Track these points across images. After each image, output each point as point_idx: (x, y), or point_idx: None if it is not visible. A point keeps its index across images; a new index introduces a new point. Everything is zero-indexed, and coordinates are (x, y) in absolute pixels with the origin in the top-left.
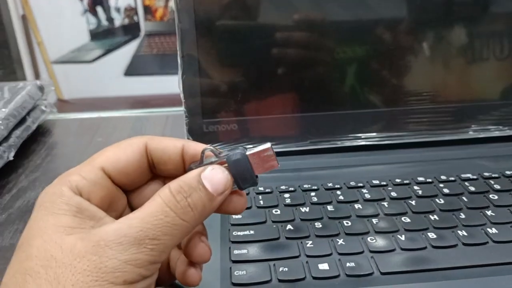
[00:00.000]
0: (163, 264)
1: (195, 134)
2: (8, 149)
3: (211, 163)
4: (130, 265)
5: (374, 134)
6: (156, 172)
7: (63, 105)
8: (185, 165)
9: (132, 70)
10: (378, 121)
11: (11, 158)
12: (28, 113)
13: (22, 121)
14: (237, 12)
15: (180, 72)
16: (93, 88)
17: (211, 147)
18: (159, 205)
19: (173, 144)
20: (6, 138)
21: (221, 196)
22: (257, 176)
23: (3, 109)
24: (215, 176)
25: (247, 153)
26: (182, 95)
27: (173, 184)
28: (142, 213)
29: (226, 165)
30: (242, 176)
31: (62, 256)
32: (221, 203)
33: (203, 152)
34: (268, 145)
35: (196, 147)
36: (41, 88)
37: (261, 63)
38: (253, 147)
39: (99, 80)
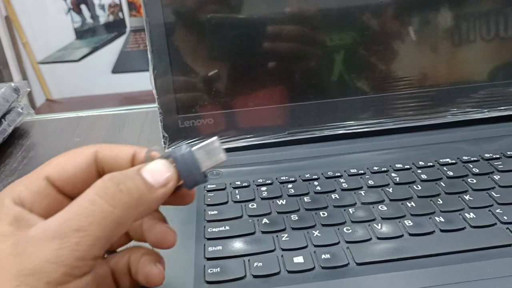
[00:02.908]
0: (121, 266)
1: (170, 130)
2: None
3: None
4: (52, 263)
5: (352, 122)
6: None
7: (52, 105)
8: None
9: (120, 67)
10: (357, 108)
11: None
12: (3, 116)
13: None
14: (206, 3)
15: (151, 68)
16: (82, 87)
17: (156, 147)
18: (86, 194)
19: (124, 151)
20: None
21: (164, 189)
22: (205, 174)
23: None
24: (156, 168)
25: (193, 148)
26: (154, 91)
27: (107, 175)
28: (69, 206)
29: (174, 164)
30: (189, 171)
31: None
32: (167, 197)
33: (148, 152)
34: (214, 138)
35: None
36: (16, 90)
37: (234, 55)
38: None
39: (87, 78)
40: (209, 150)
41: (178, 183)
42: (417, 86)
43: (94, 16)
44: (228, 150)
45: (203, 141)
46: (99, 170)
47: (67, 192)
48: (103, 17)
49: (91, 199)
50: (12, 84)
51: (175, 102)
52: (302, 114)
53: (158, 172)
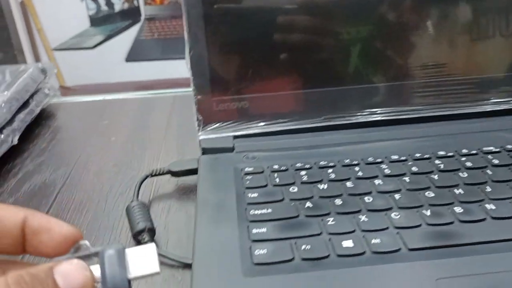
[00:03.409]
0: None
1: (205, 113)
2: (12, 133)
3: (81, 257)
4: None
5: (391, 108)
6: None
7: (65, 92)
8: (24, 242)
9: (134, 55)
10: (395, 95)
11: (15, 142)
12: (31, 97)
13: (25, 104)
14: None
15: (187, 48)
16: (95, 75)
17: (84, 242)
18: None
19: (12, 213)
20: (10, 121)
21: None
22: (130, 281)
23: (5, 92)
24: (72, 273)
25: (126, 248)
26: (190, 72)
27: (13, 274)
28: None
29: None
30: (113, 275)
31: None
32: None
33: (76, 245)
34: (152, 244)
35: (41, 220)
36: (43, 71)
37: (272, 36)
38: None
39: (101, 66)
40: (144, 257)
41: (95, 285)
42: (458, 74)
43: (109, 4)
44: (263, 134)
45: (139, 245)
46: None
47: None
48: (118, 4)
49: None
50: (39, 65)
51: (211, 84)
52: (340, 100)
53: (72, 276)
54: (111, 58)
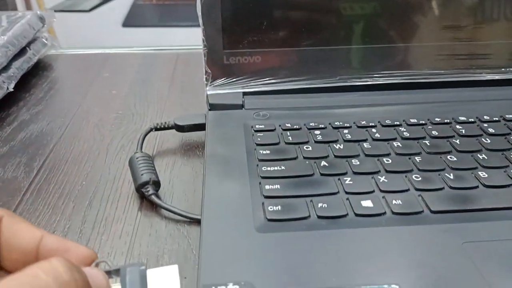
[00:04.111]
0: None
1: (214, 66)
2: (8, 79)
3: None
4: None
5: (408, 71)
6: None
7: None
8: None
9: (131, 20)
10: (413, 57)
11: (11, 89)
12: (28, 45)
13: (22, 52)
14: None
15: None
16: (91, 39)
17: (103, 261)
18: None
19: (30, 231)
20: (6, 68)
21: None
22: None
23: (2, 37)
24: (96, 274)
25: (148, 270)
26: (201, 22)
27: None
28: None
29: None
30: None
31: None
32: None
33: (95, 263)
34: (174, 266)
35: (58, 241)
36: (41, 19)
37: None
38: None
39: (97, 30)
40: (165, 278)
41: None
42: (480, 39)
43: None
44: (274, 92)
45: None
46: None
47: None
48: None
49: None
50: (38, 12)
51: (222, 35)
52: (356, 60)
53: (97, 276)
54: (108, 22)
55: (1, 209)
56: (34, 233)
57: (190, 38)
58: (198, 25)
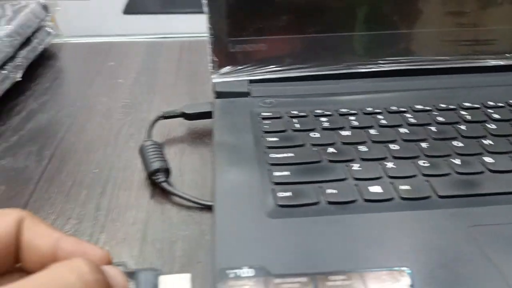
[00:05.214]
0: None
1: (220, 54)
2: (15, 69)
3: None
4: None
5: (414, 57)
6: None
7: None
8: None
9: (132, 7)
10: (419, 44)
11: (19, 78)
12: (33, 34)
13: (28, 41)
14: None
15: None
16: (92, 27)
17: (123, 262)
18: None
19: (46, 232)
20: (12, 58)
21: None
22: None
23: (7, 26)
24: (115, 272)
25: (161, 276)
26: (206, 9)
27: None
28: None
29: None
30: None
31: None
32: None
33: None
34: (187, 275)
35: (74, 244)
36: (45, 8)
37: None
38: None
39: (98, 17)
40: (177, 285)
41: None
42: (483, 25)
43: None
44: (280, 80)
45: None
46: (17, 244)
47: None
48: None
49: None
50: (41, 1)
51: (228, 22)
52: (362, 46)
53: (116, 274)
54: (108, 8)
55: (22, 210)
56: (52, 234)
57: (194, 26)
58: (201, 12)
